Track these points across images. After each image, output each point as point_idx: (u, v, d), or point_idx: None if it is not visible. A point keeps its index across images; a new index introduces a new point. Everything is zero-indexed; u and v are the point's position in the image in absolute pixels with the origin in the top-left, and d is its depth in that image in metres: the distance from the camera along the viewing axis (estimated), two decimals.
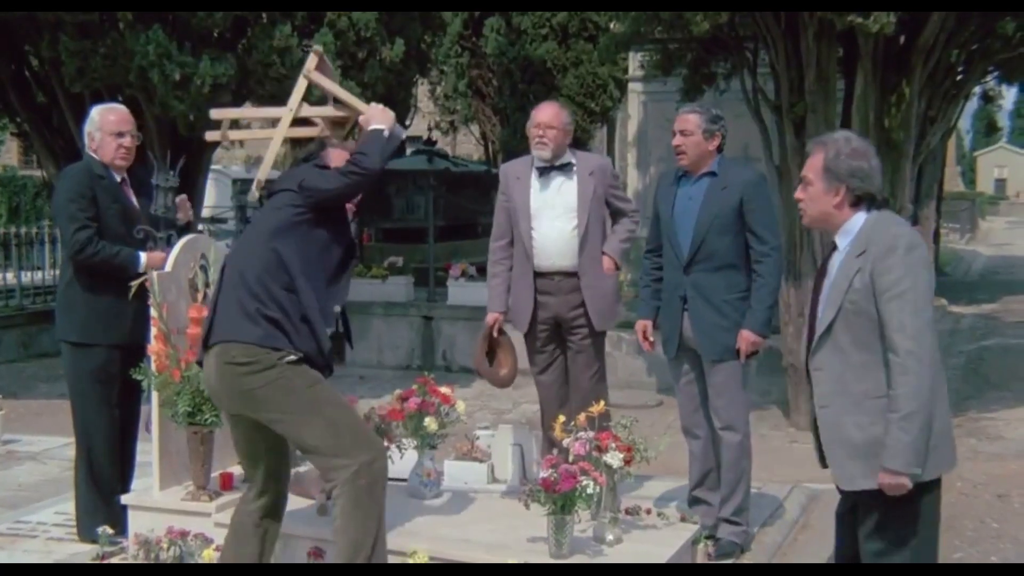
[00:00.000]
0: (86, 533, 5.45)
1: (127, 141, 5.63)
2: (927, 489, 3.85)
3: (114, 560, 4.98)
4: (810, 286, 8.98)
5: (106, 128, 5.59)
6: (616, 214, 5.97)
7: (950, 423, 3.94)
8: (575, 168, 5.84)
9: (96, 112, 5.69)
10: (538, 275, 5.84)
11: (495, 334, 5.92)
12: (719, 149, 5.48)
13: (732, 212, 5.36)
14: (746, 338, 5.35)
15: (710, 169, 5.45)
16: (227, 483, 5.25)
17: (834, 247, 3.98)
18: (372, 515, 4.25)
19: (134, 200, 5.67)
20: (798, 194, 4.03)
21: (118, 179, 5.62)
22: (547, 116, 5.76)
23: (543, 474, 4.52)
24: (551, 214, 5.80)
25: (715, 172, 5.44)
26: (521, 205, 5.84)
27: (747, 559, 5.48)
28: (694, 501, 5.70)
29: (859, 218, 3.92)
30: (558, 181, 5.83)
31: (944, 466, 3.89)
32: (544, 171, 5.84)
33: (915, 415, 3.70)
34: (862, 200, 3.93)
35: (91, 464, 5.53)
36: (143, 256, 5.47)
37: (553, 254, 5.80)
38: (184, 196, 5.92)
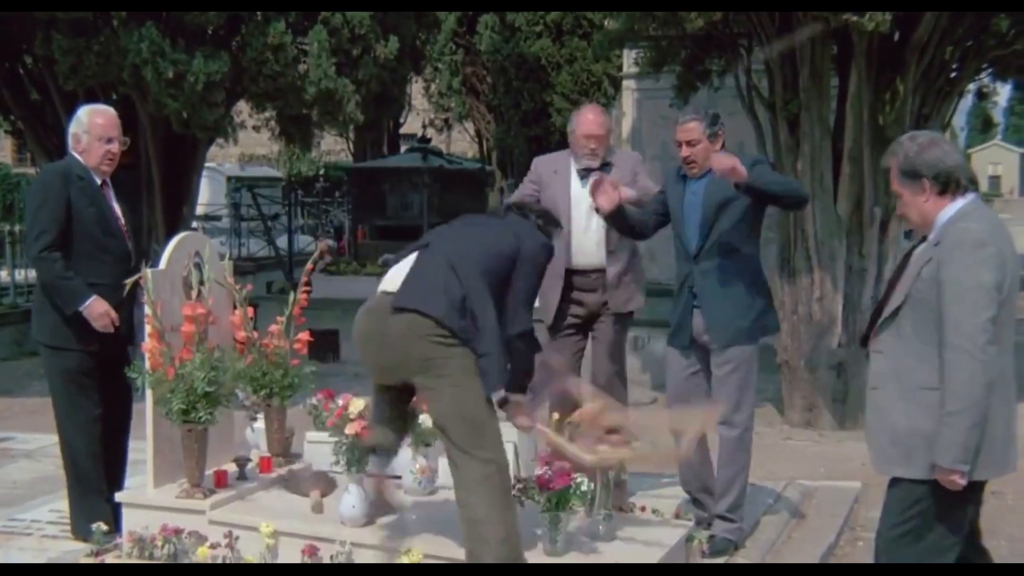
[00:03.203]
0: (78, 531, 5.44)
1: (115, 147, 5.54)
2: (958, 491, 3.81)
3: (108, 558, 4.97)
4: (804, 284, 9.03)
5: (94, 132, 5.49)
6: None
7: (1009, 431, 3.87)
8: (612, 167, 5.90)
9: (84, 114, 5.58)
10: (573, 272, 5.91)
11: None
12: (722, 145, 5.52)
13: (734, 196, 5.35)
14: (729, 163, 5.12)
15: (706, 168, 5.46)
16: (221, 480, 5.25)
17: (924, 237, 3.97)
18: (512, 513, 4.35)
19: (114, 204, 5.58)
20: (899, 211, 4.06)
21: (99, 182, 5.52)
22: (594, 127, 5.85)
23: (538, 471, 4.52)
24: (589, 212, 5.79)
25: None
26: (562, 202, 5.87)
27: (741, 557, 5.48)
28: (693, 499, 5.70)
29: (949, 208, 3.89)
30: (594, 177, 5.79)
31: (987, 472, 3.85)
32: (586, 172, 5.88)
33: (965, 413, 3.69)
34: (947, 187, 3.89)
35: (74, 462, 5.52)
36: (90, 301, 5.32)
37: (590, 252, 5.90)
38: None
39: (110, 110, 5.71)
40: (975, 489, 3.89)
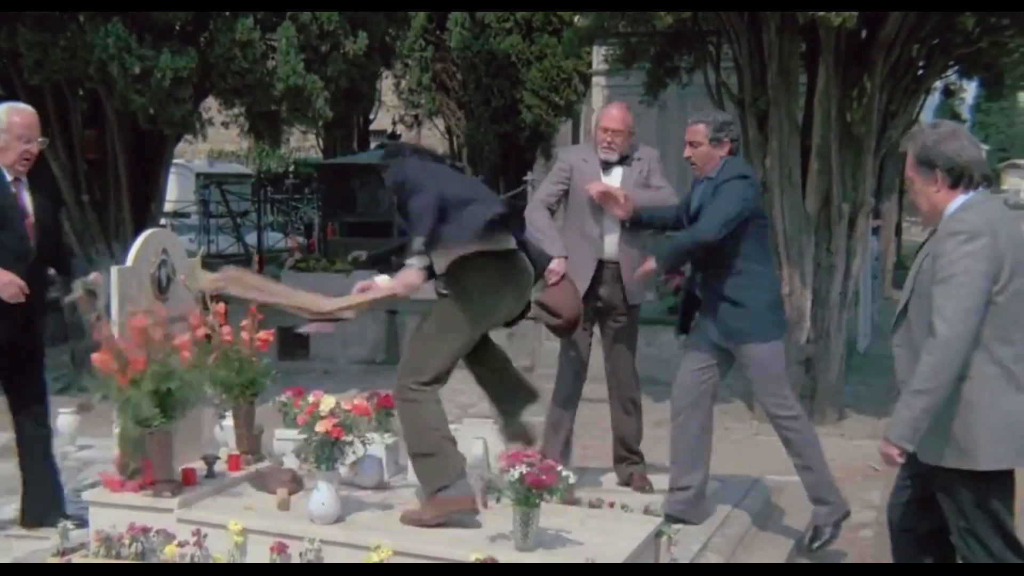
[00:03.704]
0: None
1: (33, 147, 5.52)
2: (982, 479, 3.86)
3: (75, 557, 4.92)
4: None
5: (13, 131, 5.45)
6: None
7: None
8: (631, 161, 6.21)
9: (3, 112, 5.52)
10: (603, 262, 6.14)
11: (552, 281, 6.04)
12: (731, 152, 5.72)
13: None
14: (646, 266, 5.87)
15: (710, 173, 5.70)
16: (189, 478, 5.22)
17: (934, 229, 4.03)
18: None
19: (24, 201, 5.56)
20: (911, 197, 4.18)
21: (10, 177, 5.49)
22: (615, 122, 6.11)
23: (523, 469, 4.45)
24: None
25: (711, 176, 5.68)
26: (592, 195, 6.06)
27: (711, 551, 5.50)
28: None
29: (956, 201, 3.95)
30: (617, 172, 6.19)
31: (1006, 460, 3.90)
32: (607, 165, 6.19)
33: (923, 395, 3.77)
34: (960, 180, 3.95)
35: None
36: None
37: (614, 243, 6.14)
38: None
39: (29, 109, 5.66)
40: (997, 478, 3.91)
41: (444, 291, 4.92)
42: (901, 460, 3.86)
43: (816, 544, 5.73)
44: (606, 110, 6.27)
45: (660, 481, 6.12)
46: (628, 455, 6.38)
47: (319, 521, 4.79)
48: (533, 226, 6.08)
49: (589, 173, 6.16)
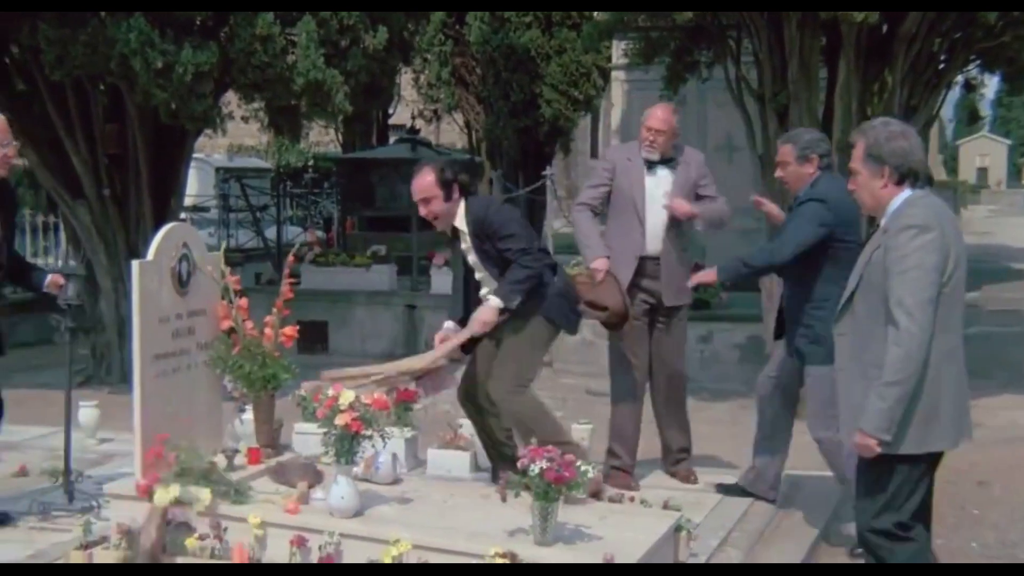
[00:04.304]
0: None
1: (11, 151, 5.58)
2: (911, 461, 4.03)
3: (96, 550, 4.95)
4: None
5: None
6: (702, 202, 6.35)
7: (959, 404, 4.09)
8: (677, 163, 6.31)
9: None
10: (644, 258, 6.23)
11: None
12: (822, 167, 5.85)
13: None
14: (707, 276, 6.09)
15: (798, 192, 5.88)
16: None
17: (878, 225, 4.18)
18: None
19: None
20: (850, 186, 4.24)
21: None
22: (657, 122, 6.21)
23: (543, 464, 4.45)
24: (660, 203, 6.21)
25: (799, 196, 5.85)
26: (638, 190, 6.24)
27: (730, 546, 5.49)
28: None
29: (901, 196, 4.08)
30: (663, 173, 6.27)
31: (937, 444, 4.07)
32: (651, 164, 6.27)
33: (895, 386, 3.90)
34: (906, 178, 4.08)
35: None
36: None
37: (659, 239, 6.22)
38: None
39: (1, 116, 5.71)
40: (925, 460, 4.08)
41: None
42: (879, 450, 3.97)
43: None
44: (651, 110, 6.34)
45: (705, 475, 6.44)
46: (675, 452, 6.54)
47: (339, 515, 4.81)
48: (576, 229, 6.37)
49: (633, 172, 6.26)
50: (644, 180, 6.25)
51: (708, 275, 6.08)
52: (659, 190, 6.23)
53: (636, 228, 6.22)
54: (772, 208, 6.26)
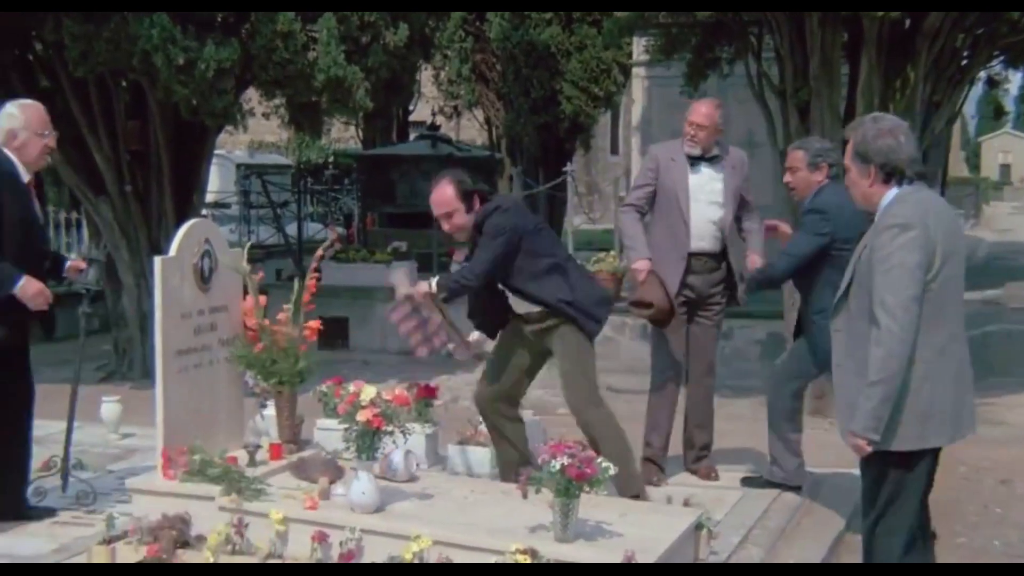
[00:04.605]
0: None
1: (51, 141, 5.58)
2: (906, 460, 4.07)
3: (119, 545, 4.97)
4: None
5: (33, 127, 5.48)
6: (742, 205, 6.47)
7: (957, 400, 4.10)
8: (722, 161, 6.35)
9: (18, 109, 5.55)
10: (689, 255, 6.28)
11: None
12: (831, 176, 5.95)
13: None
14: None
15: (805, 200, 6.04)
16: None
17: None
18: None
19: (36, 204, 5.60)
20: (847, 182, 4.27)
21: (25, 180, 5.51)
22: (700, 117, 6.24)
23: (564, 461, 4.46)
24: (704, 200, 6.27)
25: (805, 204, 6.02)
26: (681, 188, 6.27)
27: (751, 543, 5.48)
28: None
29: (890, 194, 4.10)
30: (708, 171, 6.31)
31: (932, 440, 4.09)
32: (694, 160, 6.30)
33: (878, 385, 3.92)
34: (892, 176, 4.09)
35: None
36: (23, 281, 5.33)
37: (704, 236, 6.27)
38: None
39: (38, 103, 5.72)
40: (920, 458, 4.10)
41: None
42: (869, 449, 4.00)
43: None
44: (694, 106, 6.37)
45: (725, 472, 6.53)
46: (697, 449, 6.59)
47: (359, 510, 4.82)
48: (622, 230, 6.46)
49: (676, 171, 6.29)
50: (688, 178, 6.27)
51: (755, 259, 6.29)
52: (703, 188, 6.29)
53: (681, 227, 6.25)
54: (786, 230, 6.34)
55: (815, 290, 5.90)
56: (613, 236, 13.49)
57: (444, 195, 5.49)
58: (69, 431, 6.06)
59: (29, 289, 5.36)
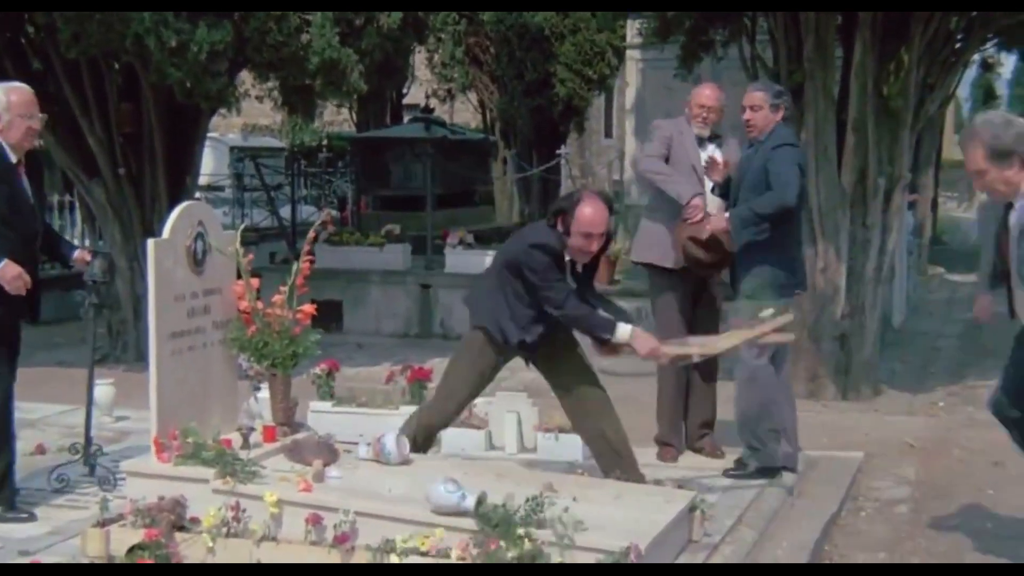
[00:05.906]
0: None
1: (36, 124, 5.58)
2: None
3: (113, 528, 4.96)
4: (807, 254, 9.02)
5: (16, 109, 5.48)
6: None
7: None
8: (725, 140, 6.61)
9: (2, 91, 5.53)
10: None
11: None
12: (785, 119, 6.26)
13: (758, 168, 6.08)
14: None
15: (760, 137, 6.16)
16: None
17: (1010, 205, 4.46)
18: None
19: (25, 183, 5.58)
20: (979, 187, 4.62)
21: (13, 160, 5.50)
22: (710, 100, 6.48)
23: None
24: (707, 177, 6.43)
25: (762, 140, 6.13)
26: (695, 160, 6.44)
27: (745, 525, 5.50)
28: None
29: None
30: (710, 149, 6.50)
31: None
32: (700, 140, 6.51)
33: None
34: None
35: None
36: (3, 264, 5.32)
37: (713, 210, 6.33)
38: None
39: (26, 87, 5.70)
40: None
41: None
42: None
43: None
44: (699, 89, 6.59)
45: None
46: (699, 427, 6.68)
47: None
48: (653, 172, 6.43)
49: (687, 144, 6.47)
50: (698, 153, 6.46)
51: (719, 220, 6.15)
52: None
53: (699, 188, 6.38)
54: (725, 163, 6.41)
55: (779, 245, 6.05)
56: None
57: (606, 215, 5.33)
58: (88, 415, 6.14)
59: (7, 273, 5.35)
